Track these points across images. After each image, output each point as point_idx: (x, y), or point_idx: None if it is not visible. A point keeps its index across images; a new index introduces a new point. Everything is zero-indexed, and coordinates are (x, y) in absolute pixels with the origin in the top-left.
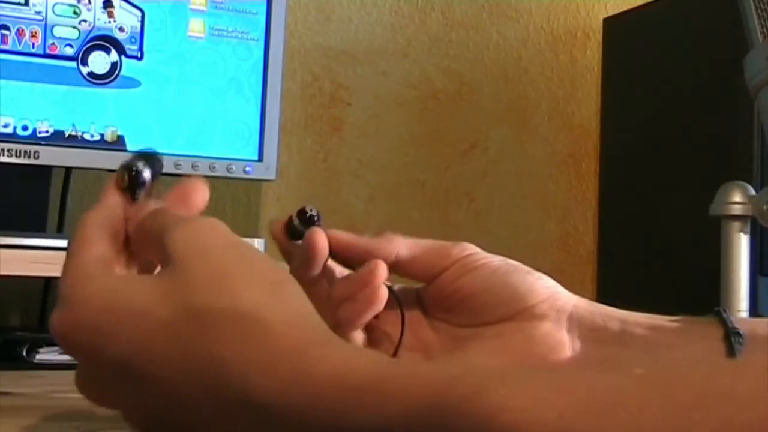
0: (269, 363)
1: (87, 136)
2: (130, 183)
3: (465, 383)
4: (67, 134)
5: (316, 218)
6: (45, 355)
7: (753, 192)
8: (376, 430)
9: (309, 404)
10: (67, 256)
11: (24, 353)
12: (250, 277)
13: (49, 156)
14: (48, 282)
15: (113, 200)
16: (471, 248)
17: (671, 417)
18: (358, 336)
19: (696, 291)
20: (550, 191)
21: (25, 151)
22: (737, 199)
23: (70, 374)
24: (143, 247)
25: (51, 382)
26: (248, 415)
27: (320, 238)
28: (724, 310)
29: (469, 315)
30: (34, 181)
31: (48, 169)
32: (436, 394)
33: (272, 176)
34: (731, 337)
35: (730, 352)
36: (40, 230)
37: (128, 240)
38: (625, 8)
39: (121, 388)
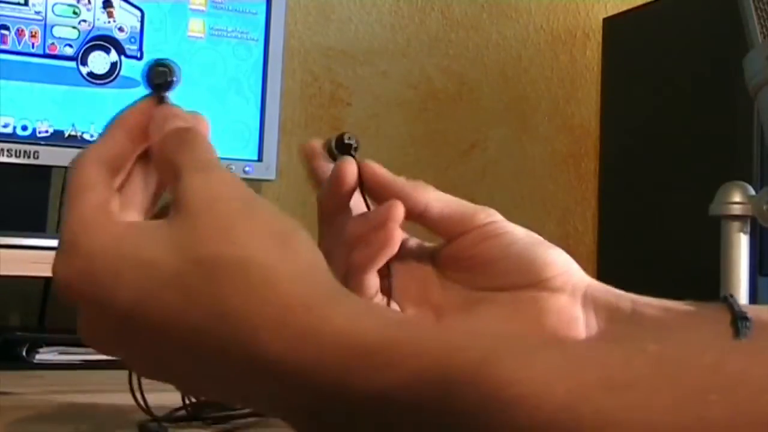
0: (276, 319)
1: (87, 136)
2: (160, 81)
3: (473, 351)
4: (66, 134)
5: (354, 146)
6: (45, 355)
7: (753, 192)
8: (381, 392)
9: (314, 363)
10: (68, 199)
11: (24, 353)
12: (258, 227)
13: (49, 156)
14: (48, 282)
15: (117, 135)
16: (497, 216)
17: (683, 401)
18: (373, 281)
19: (696, 291)
20: (550, 191)
21: (25, 151)
22: (737, 199)
23: (71, 374)
24: (160, 170)
25: (51, 382)
26: (253, 369)
27: (349, 168)
28: (732, 296)
29: (484, 279)
30: (34, 181)
31: (48, 169)
32: (443, 360)
33: (272, 176)
34: (739, 322)
35: (738, 336)
36: (39, 230)
37: (128, 179)
38: (625, 8)
39: (126, 336)
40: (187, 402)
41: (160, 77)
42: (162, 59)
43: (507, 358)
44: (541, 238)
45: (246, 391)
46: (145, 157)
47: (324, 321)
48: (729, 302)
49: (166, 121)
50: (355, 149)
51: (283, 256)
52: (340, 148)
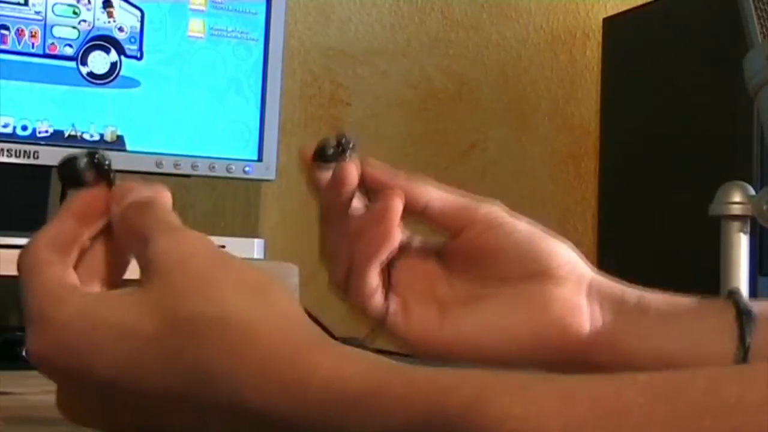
0: (259, 374)
1: (87, 136)
2: (102, 168)
3: (464, 390)
4: (66, 134)
5: (350, 146)
6: None
7: (753, 192)
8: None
9: (301, 414)
10: (25, 281)
11: (24, 353)
12: (233, 282)
13: (49, 156)
14: None
15: (65, 219)
16: (499, 208)
17: (677, 427)
18: (374, 277)
19: (696, 291)
20: (550, 191)
21: (25, 151)
22: (737, 199)
23: None
24: (124, 239)
25: (51, 382)
26: (240, 423)
27: (350, 169)
28: (737, 291)
29: (489, 271)
30: (34, 181)
31: (48, 169)
32: (434, 402)
33: (272, 176)
34: (743, 317)
35: (741, 331)
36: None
37: (88, 255)
38: (625, 8)
39: (107, 407)
40: None
41: (101, 169)
42: (92, 151)
43: (499, 394)
44: (544, 231)
45: None
46: (105, 233)
47: (309, 371)
48: (734, 297)
49: (125, 196)
50: (353, 148)
51: (262, 309)
52: (337, 148)
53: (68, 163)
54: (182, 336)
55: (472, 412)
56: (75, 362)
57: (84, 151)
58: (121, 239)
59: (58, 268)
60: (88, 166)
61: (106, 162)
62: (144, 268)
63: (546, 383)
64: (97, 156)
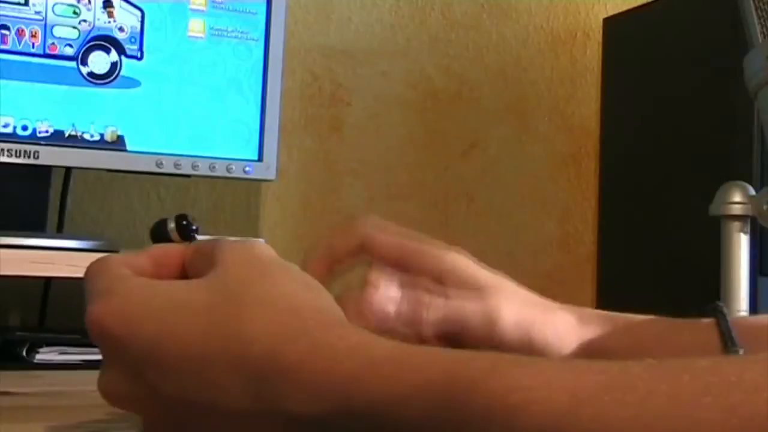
0: (293, 335)
1: (87, 136)
2: (186, 231)
3: (479, 362)
4: (66, 134)
5: (193, 231)
6: (45, 355)
7: (753, 192)
8: (389, 401)
9: (326, 371)
10: (92, 274)
11: (24, 353)
12: (290, 275)
13: (49, 156)
14: (48, 282)
15: (141, 255)
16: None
17: (679, 401)
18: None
19: (696, 291)
20: (550, 191)
21: (25, 151)
22: (737, 199)
23: (70, 374)
24: (195, 267)
25: (51, 382)
26: (266, 384)
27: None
28: (722, 312)
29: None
30: (34, 181)
31: (48, 169)
32: (449, 371)
33: (272, 176)
34: (728, 344)
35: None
36: (40, 230)
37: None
38: (625, 8)
39: (142, 380)
40: None
41: (185, 230)
42: (181, 215)
43: (512, 367)
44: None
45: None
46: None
47: (340, 338)
48: (720, 327)
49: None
50: (196, 231)
51: (309, 296)
52: (182, 231)
53: (160, 224)
54: (231, 305)
55: (485, 381)
56: (124, 325)
57: (173, 216)
58: (191, 270)
59: (127, 268)
60: (176, 228)
61: (193, 227)
62: (208, 265)
63: (557, 360)
64: (184, 221)
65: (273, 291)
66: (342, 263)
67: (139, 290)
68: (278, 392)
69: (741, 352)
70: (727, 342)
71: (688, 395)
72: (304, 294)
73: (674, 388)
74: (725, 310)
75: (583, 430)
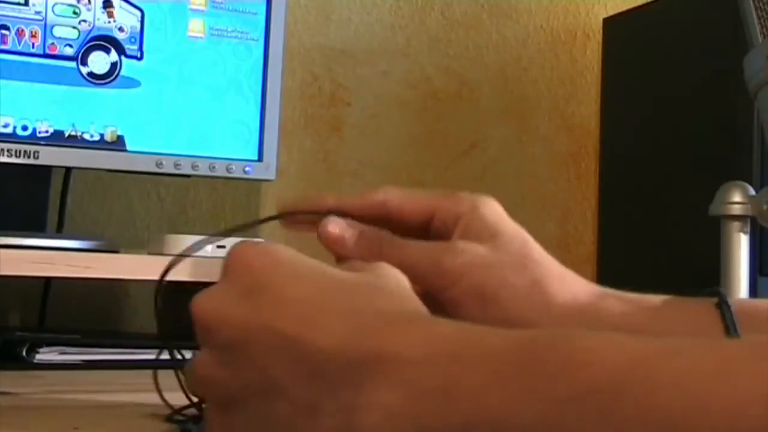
0: (399, 327)
1: (87, 136)
2: None
3: (558, 331)
4: (66, 134)
5: None
6: (45, 355)
7: (753, 192)
8: (475, 356)
9: (425, 355)
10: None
11: (24, 353)
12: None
13: (49, 156)
14: (48, 282)
15: None
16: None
17: (727, 366)
18: None
19: (696, 291)
20: (550, 191)
21: (25, 151)
22: (737, 199)
23: (71, 374)
24: None
25: (51, 382)
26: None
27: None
28: (724, 299)
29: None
30: (34, 181)
31: (48, 169)
32: (527, 336)
33: (272, 176)
34: (723, 307)
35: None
36: (40, 230)
37: None
38: (625, 8)
39: (251, 303)
40: (194, 401)
41: None
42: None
43: (582, 335)
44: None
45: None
46: None
47: (439, 325)
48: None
49: None
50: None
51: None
52: None
53: None
54: (371, 290)
55: (560, 343)
56: (265, 258)
57: None
58: None
59: None
60: None
61: None
62: None
63: (615, 332)
64: None
65: (395, 302)
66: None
67: (286, 253)
68: (372, 336)
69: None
70: (728, 326)
71: (735, 359)
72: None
73: (723, 352)
74: (724, 293)
75: (637, 386)
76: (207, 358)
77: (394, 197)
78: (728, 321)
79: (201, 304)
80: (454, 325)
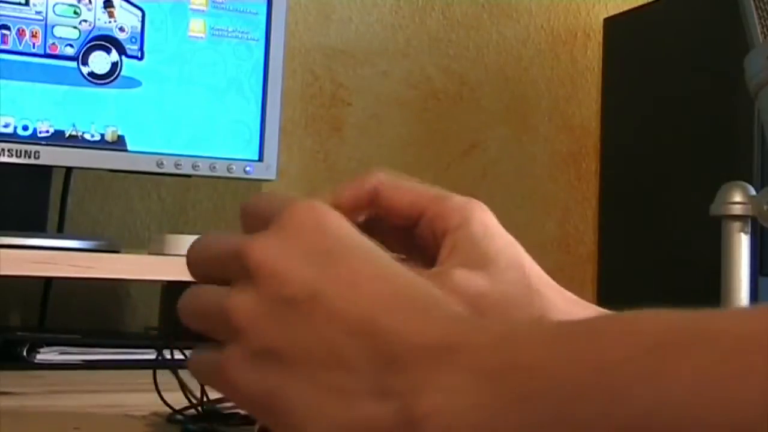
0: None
1: (87, 136)
2: None
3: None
4: (67, 134)
5: None
6: (45, 355)
7: (753, 192)
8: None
9: (484, 342)
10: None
11: (24, 353)
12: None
13: (49, 156)
14: (48, 282)
15: None
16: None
17: None
18: None
19: (696, 291)
20: (550, 191)
21: (25, 151)
22: (737, 199)
23: (71, 374)
24: None
25: (51, 382)
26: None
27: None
28: None
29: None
30: (34, 181)
31: (48, 169)
32: (586, 319)
33: (272, 176)
34: None
35: None
36: (40, 230)
37: None
38: (625, 8)
39: (311, 264)
40: (194, 401)
41: None
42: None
43: (643, 313)
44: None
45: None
46: None
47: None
48: None
49: None
50: None
51: None
52: None
53: None
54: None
55: (617, 316)
56: (320, 218)
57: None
58: None
59: None
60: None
61: None
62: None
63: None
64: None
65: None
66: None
67: (346, 222)
68: (442, 325)
69: None
70: None
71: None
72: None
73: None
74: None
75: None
76: (254, 304)
77: (385, 187)
78: None
79: (263, 249)
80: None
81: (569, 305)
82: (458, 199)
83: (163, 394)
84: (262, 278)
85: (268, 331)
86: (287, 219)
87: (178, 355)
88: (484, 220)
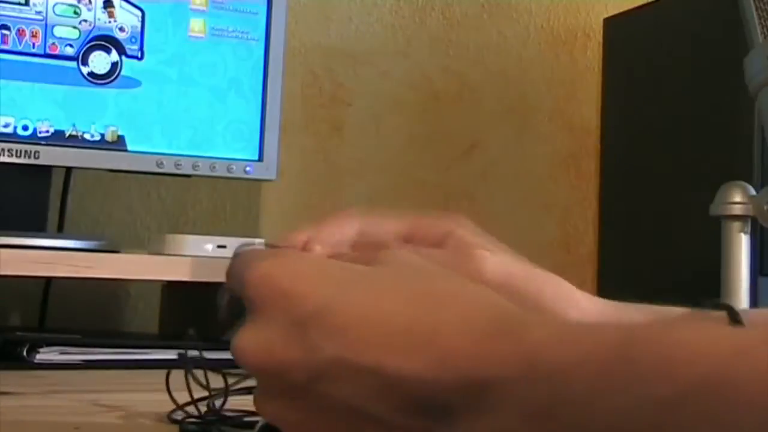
0: (485, 321)
1: (87, 136)
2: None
3: (652, 325)
4: (67, 134)
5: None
6: (45, 355)
7: (753, 192)
8: (570, 362)
9: (517, 340)
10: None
11: (24, 353)
12: (455, 275)
13: (49, 156)
14: (48, 282)
15: None
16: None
17: None
18: None
19: (696, 291)
20: (550, 191)
21: (25, 151)
22: (737, 199)
23: (71, 374)
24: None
25: (51, 382)
26: (454, 355)
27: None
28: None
29: None
30: (34, 181)
31: (48, 169)
32: (625, 330)
33: (272, 176)
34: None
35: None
36: (40, 230)
37: None
38: (625, 8)
39: (301, 339)
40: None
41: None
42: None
43: (679, 327)
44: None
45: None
46: None
47: (530, 317)
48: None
49: None
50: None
51: (485, 290)
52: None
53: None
54: (422, 295)
55: (654, 339)
56: (299, 283)
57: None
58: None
59: None
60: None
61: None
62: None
63: (718, 322)
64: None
65: (457, 286)
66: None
67: (314, 258)
68: (468, 360)
69: None
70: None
71: None
72: (483, 291)
73: None
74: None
75: (743, 377)
76: (271, 402)
77: (367, 224)
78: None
79: (247, 349)
80: (541, 327)
81: (577, 298)
82: (439, 217)
83: (156, 394)
84: (262, 380)
85: (295, 421)
86: (254, 299)
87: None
88: (470, 224)
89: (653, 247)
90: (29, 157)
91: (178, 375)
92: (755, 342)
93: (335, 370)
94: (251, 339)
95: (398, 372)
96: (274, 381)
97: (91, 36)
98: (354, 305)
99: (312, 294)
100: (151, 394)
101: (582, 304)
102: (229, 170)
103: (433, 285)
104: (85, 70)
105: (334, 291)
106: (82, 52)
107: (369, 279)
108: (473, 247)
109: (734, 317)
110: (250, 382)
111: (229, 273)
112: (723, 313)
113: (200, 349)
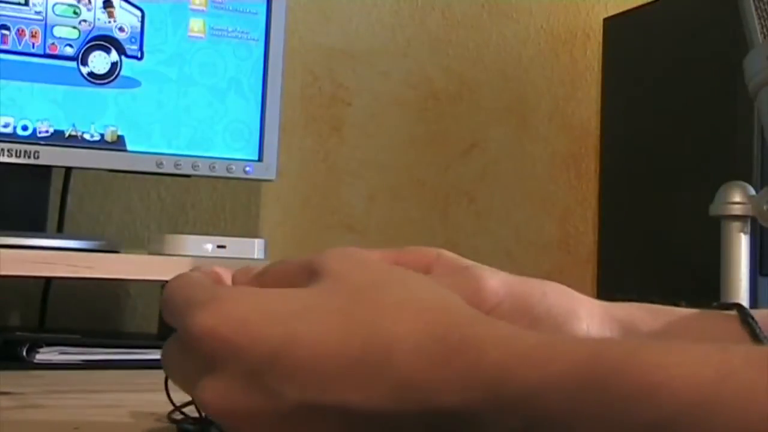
0: (441, 332)
1: (87, 136)
2: None
3: (624, 345)
4: (67, 134)
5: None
6: (45, 355)
7: (753, 192)
8: (537, 386)
9: (476, 363)
10: (181, 285)
11: (24, 353)
12: (413, 278)
13: (49, 156)
14: (48, 282)
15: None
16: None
17: None
18: None
19: (696, 291)
20: (550, 191)
21: (25, 151)
22: (737, 199)
23: (71, 374)
24: (287, 281)
25: (51, 382)
26: (413, 382)
27: None
28: (747, 312)
29: None
30: (35, 181)
31: (48, 169)
32: (597, 352)
33: (272, 176)
34: (749, 321)
35: (756, 337)
36: (40, 230)
37: None
38: (625, 8)
39: (261, 388)
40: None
41: None
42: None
43: (656, 347)
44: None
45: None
46: None
47: (487, 331)
48: (736, 308)
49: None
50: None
51: (442, 292)
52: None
53: None
54: (368, 312)
55: (629, 361)
56: (244, 333)
57: None
58: (281, 281)
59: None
60: None
61: None
62: (310, 281)
63: (697, 341)
64: None
65: (405, 292)
66: None
67: (251, 295)
68: (427, 388)
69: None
70: (757, 333)
71: None
72: (437, 292)
73: None
74: (741, 304)
75: (727, 402)
76: None
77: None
78: (758, 334)
79: (211, 402)
80: (499, 345)
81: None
82: (417, 247)
83: (156, 394)
84: (225, 425)
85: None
86: (205, 353)
87: None
88: (451, 252)
89: (653, 247)
90: (29, 157)
91: None
92: (737, 364)
93: (302, 412)
94: (212, 391)
95: (361, 407)
96: (245, 427)
97: (90, 36)
98: (304, 343)
99: (259, 341)
100: (150, 395)
101: (587, 306)
102: (228, 170)
103: (378, 296)
104: (84, 70)
105: (281, 331)
106: (81, 52)
107: (312, 308)
108: (466, 267)
109: (745, 317)
110: None
111: (165, 308)
112: (734, 312)
113: None
